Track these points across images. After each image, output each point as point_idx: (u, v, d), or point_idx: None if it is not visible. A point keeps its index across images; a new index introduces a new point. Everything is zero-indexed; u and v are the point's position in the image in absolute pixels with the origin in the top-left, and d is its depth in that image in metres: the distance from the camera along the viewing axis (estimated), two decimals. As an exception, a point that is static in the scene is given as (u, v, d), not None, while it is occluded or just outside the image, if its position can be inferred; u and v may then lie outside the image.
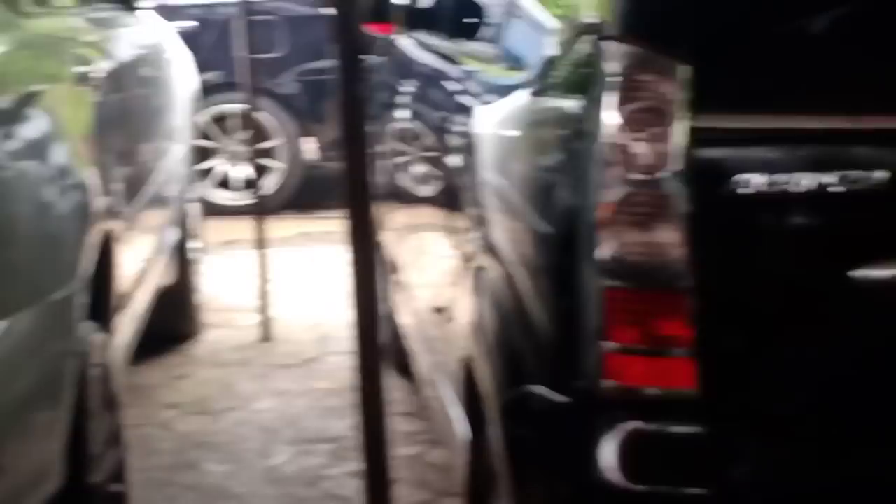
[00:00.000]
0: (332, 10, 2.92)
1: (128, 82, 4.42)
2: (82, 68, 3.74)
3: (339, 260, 7.07)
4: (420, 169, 4.20)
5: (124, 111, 4.28)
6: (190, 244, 5.77)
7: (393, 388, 4.17)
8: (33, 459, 2.89)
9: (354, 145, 2.92)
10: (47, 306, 2.95)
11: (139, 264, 4.33)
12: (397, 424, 3.88)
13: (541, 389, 2.56)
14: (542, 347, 2.60)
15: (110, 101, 3.99)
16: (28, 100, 3.16)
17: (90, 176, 3.42)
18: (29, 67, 3.36)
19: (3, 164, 2.84)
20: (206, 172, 8.37)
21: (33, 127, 3.13)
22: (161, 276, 4.99)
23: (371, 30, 4.71)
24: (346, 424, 4.82)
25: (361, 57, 2.87)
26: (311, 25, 8.73)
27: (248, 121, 6.78)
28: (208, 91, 7.23)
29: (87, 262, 3.23)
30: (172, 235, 5.30)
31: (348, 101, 2.89)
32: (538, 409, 2.58)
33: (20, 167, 2.95)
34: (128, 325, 4.08)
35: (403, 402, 4.80)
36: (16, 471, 2.78)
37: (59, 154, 3.25)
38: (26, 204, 2.94)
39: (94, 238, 3.33)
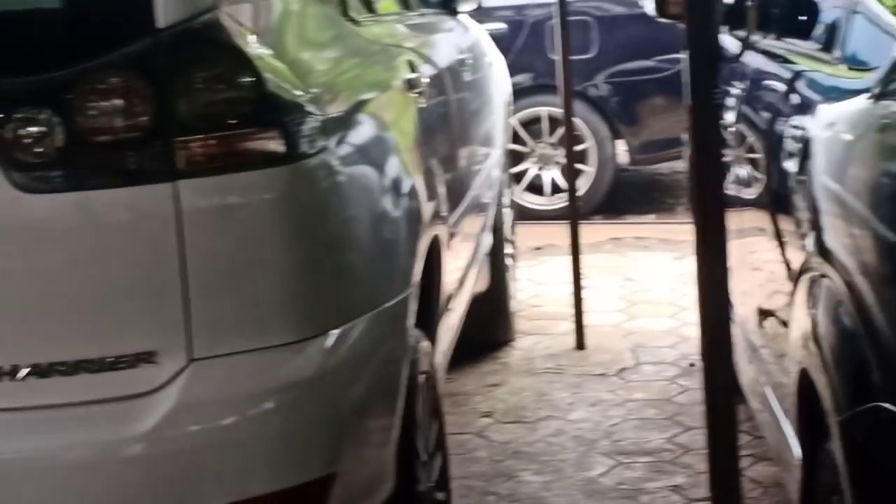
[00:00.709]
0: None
1: (450, 87, 4.43)
2: (408, 75, 3.76)
3: (651, 267, 7.08)
4: (743, 171, 4.09)
5: (447, 116, 4.30)
6: (504, 250, 5.77)
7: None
8: (370, 465, 2.91)
9: (707, 153, 2.82)
10: (383, 313, 2.97)
11: (460, 271, 4.33)
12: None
13: (893, 406, 2.43)
14: (894, 361, 2.47)
15: (434, 106, 4.01)
16: (360, 107, 3.19)
17: (419, 182, 3.43)
18: (359, 75, 3.40)
19: (340, 170, 2.87)
20: (517, 176, 8.37)
21: (366, 134, 3.16)
22: (477, 282, 5.00)
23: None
24: (664, 437, 4.76)
25: (715, 62, 2.78)
26: (623, 26, 8.65)
27: (558, 124, 6.74)
28: (518, 94, 7.23)
29: (418, 269, 3.24)
30: (487, 241, 5.31)
31: (700, 108, 2.79)
32: (890, 426, 2.45)
33: (356, 175, 2.98)
34: (448, 332, 4.09)
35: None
36: (355, 475, 2.81)
37: (391, 161, 3.27)
38: (364, 211, 2.97)
39: (423, 245, 3.34)
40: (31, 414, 2.59)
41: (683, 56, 2.81)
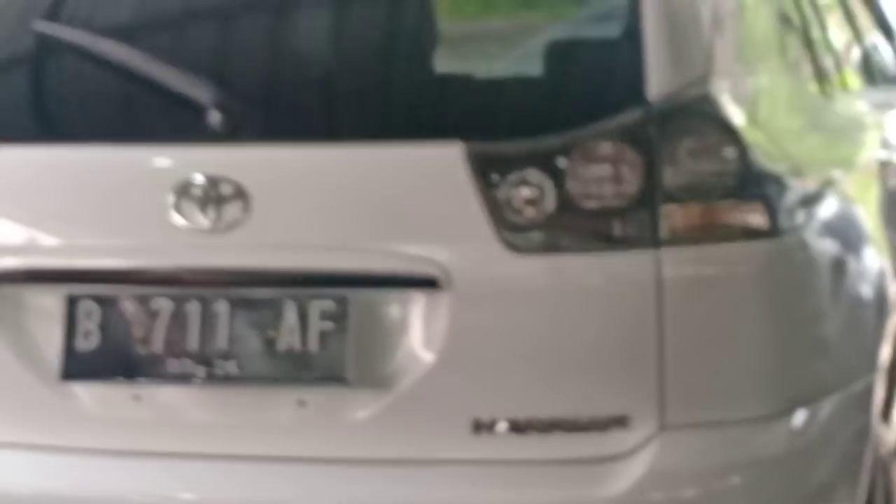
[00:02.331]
0: None
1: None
2: (879, 153, 3.69)
3: None
4: None
5: None
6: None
7: None
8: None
9: None
10: (852, 393, 2.92)
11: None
12: None
13: None
14: None
15: (890, 186, 3.92)
16: (833, 184, 3.16)
17: (885, 263, 3.36)
18: (833, 151, 3.37)
19: (816, 246, 2.85)
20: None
21: (838, 211, 3.12)
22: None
23: None
24: None
25: None
26: None
27: None
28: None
29: (885, 351, 3.17)
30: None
31: None
32: None
33: (830, 252, 2.95)
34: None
35: None
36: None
37: (861, 239, 3.21)
38: (837, 289, 2.94)
39: (891, 326, 3.26)
40: (504, 468, 2.65)
41: None
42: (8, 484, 2.77)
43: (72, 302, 2.76)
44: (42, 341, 2.79)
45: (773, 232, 2.69)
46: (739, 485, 2.66)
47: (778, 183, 2.76)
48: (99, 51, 2.89)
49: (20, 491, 2.77)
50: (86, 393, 2.78)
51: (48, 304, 2.79)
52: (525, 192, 2.64)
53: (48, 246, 2.82)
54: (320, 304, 2.68)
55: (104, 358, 2.75)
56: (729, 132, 2.68)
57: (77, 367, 2.76)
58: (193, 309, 2.73)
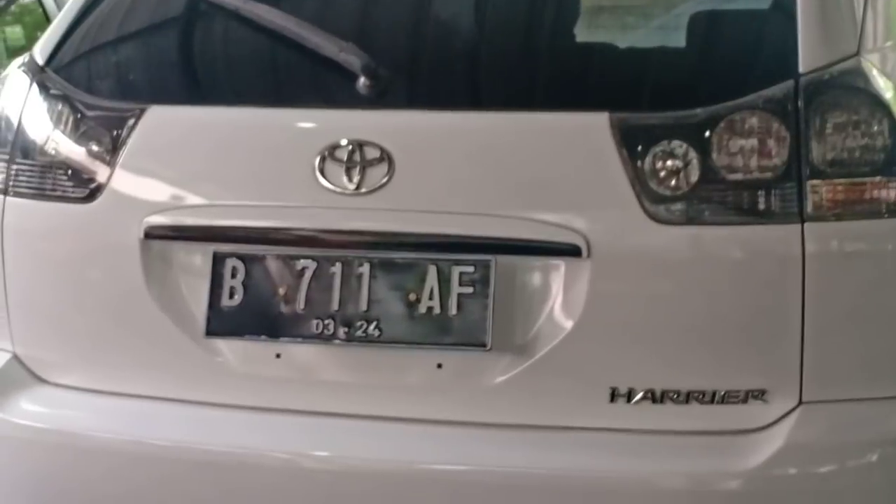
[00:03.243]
0: None
1: None
2: None
3: None
4: None
5: None
6: None
7: None
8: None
9: None
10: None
11: None
12: None
13: None
14: None
15: None
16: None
17: None
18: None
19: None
20: None
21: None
22: None
23: None
24: None
25: None
26: None
27: None
28: None
29: None
30: None
31: None
32: None
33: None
34: None
35: None
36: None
37: None
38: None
39: None
40: (640, 437, 2.66)
41: None
42: (152, 436, 2.83)
43: (218, 260, 2.82)
44: (189, 298, 2.84)
45: None
46: (876, 462, 2.65)
47: None
48: (252, 15, 2.94)
49: (163, 443, 2.83)
50: (229, 349, 2.83)
51: (195, 261, 2.85)
52: (670, 162, 2.64)
53: (197, 204, 2.87)
54: (461, 269, 2.71)
55: (248, 316, 2.80)
56: (879, 107, 2.66)
57: (221, 323, 2.81)
58: (336, 270, 2.76)
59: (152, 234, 2.86)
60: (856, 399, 2.66)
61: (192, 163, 2.89)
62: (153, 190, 2.89)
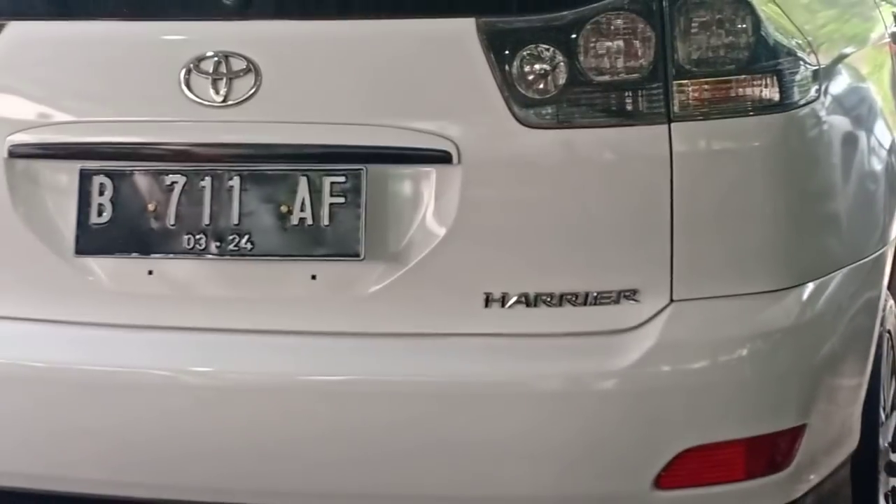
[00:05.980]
0: None
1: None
2: (882, 28, 3.69)
3: None
4: None
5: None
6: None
7: None
8: (838, 420, 2.89)
9: None
10: (861, 267, 2.94)
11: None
12: None
13: None
14: None
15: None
16: (844, 59, 3.15)
17: (896, 138, 3.37)
18: (844, 26, 3.36)
19: (826, 121, 2.85)
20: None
21: (849, 87, 3.11)
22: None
23: None
24: None
25: None
26: None
27: None
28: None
29: (893, 227, 3.19)
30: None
31: None
32: None
33: (840, 127, 2.95)
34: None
35: None
36: (823, 429, 2.80)
37: (872, 115, 3.21)
38: (847, 164, 2.94)
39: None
40: (515, 341, 2.68)
41: None
42: (23, 357, 2.80)
43: (85, 177, 2.78)
44: (56, 217, 2.81)
45: (785, 106, 2.69)
46: (749, 356, 2.68)
47: (793, 57, 2.75)
48: None
49: (35, 364, 2.80)
50: (99, 267, 2.80)
51: (62, 179, 2.81)
52: (537, 66, 2.64)
53: (61, 121, 2.82)
54: (332, 179, 2.69)
55: (117, 233, 2.77)
56: (742, 4, 2.67)
57: (91, 242, 2.78)
58: (205, 184, 2.74)
59: (16, 152, 2.81)
60: (725, 296, 2.69)
61: (55, 79, 2.84)
62: (15, 108, 2.83)
